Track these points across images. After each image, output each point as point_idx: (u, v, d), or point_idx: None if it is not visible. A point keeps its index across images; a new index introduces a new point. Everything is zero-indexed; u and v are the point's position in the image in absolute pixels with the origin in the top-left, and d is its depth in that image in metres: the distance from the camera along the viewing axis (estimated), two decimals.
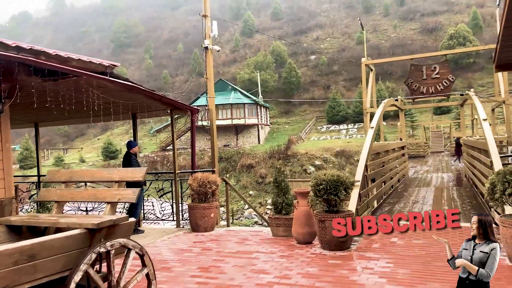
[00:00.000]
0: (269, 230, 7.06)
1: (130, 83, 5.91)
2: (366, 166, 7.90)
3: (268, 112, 63.73)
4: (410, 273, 4.63)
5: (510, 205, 4.82)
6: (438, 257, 5.15)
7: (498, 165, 6.68)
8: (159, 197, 8.10)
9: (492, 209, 6.99)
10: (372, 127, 9.22)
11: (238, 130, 56.89)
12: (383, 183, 10.69)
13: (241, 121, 55.45)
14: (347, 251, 5.67)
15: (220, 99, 55.30)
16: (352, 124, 59.35)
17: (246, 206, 43.37)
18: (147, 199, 8.32)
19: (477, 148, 10.32)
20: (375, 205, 9.27)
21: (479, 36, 67.72)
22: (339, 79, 74.38)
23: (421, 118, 55.73)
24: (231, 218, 22.28)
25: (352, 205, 6.69)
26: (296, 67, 72.89)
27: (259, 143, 57.07)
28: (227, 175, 49.22)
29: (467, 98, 14.38)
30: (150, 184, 8.41)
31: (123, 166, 7.53)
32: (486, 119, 8.29)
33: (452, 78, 16.27)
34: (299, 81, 71.88)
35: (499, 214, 5.96)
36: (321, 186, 5.77)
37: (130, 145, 7.57)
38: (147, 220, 8.35)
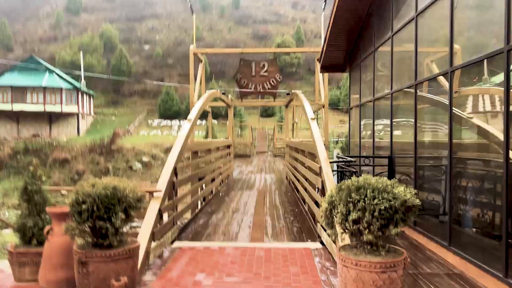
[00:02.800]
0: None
1: None
2: (175, 170, 5.92)
3: (92, 100, 57.02)
4: None
5: (353, 235, 3.44)
6: None
7: (328, 172, 5.55)
8: None
9: (318, 224, 5.87)
10: (190, 120, 7.34)
11: (52, 118, 48.99)
12: (201, 188, 8.98)
13: (57, 108, 47.88)
14: None
15: (29, 80, 46.66)
16: (185, 120, 57.90)
17: None
18: None
19: (301, 150, 9.55)
20: (189, 217, 7.43)
21: (300, 47, 74.85)
22: (174, 73, 72.15)
23: (249, 120, 58.16)
24: None
25: (145, 230, 4.59)
26: (128, 55, 67.54)
27: (78, 134, 50.34)
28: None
29: (293, 98, 14.12)
30: None
31: None
32: (315, 118, 7.31)
33: (279, 78, 15.94)
34: (130, 70, 66.82)
35: (329, 236, 4.71)
36: (84, 206, 3.47)
37: None
38: None
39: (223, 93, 13.47)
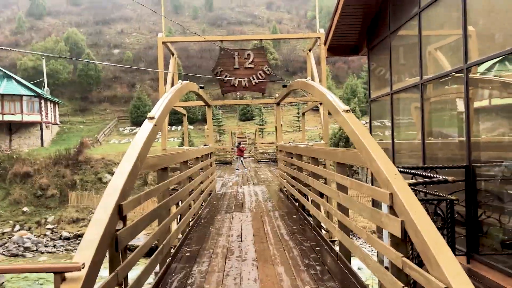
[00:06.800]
0: None
1: None
2: (120, 209, 3.11)
3: (57, 108, 52.90)
4: None
5: None
6: None
7: (417, 210, 2.88)
8: None
9: None
10: (152, 118, 4.55)
11: (12, 128, 44.78)
12: (174, 222, 6.16)
13: (17, 118, 43.79)
14: None
15: None
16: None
17: (17, 227, 33.46)
18: None
19: (312, 158, 6.86)
20: (157, 270, 4.61)
21: (277, 48, 72.88)
22: (145, 77, 68.62)
23: (228, 123, 55.39)
24: None
25: None
26: (96, 59, 63.60)
27: (42, 146, 46.27)
28: None
29: (289, 93, 11.50)
30: None
31: None
32: (349, 110, 4.64)
33: (268, 70, 13.28)
34: (99, 75, 62.92)
35: None
36: None
37: None
38: None
39: (201, 87, 10.72)
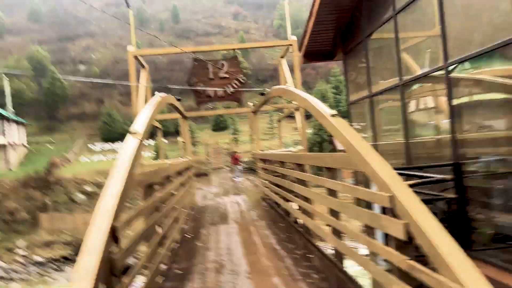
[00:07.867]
0: None
1: None
2: (113, 231, 2.94)
3: (24, 129, 51.02)
4: None
5: None
6: None
7: (426, 215, 2.86)
8: None
9: None
10: (135, 132, 4.38)
11: None
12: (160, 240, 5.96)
13: None
14: None
15: None
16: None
17: None
18: None
19: (297, 164, 6.81)
20: None
21: (246, 58, 73.13)
22: (114, 93, 67.21)
23: (201, 135, 54.89)
24: None
25: None
26: (61, 76, 61.81)
27: (10, 169, 44.39)
28: None
29: (267, 100, 11.44)
30: None
31: None
32: (336, 114, 4.63)
33: (243, 80, 13.24)
34: (66, 93, 61.25)
35: None
36: None
37: None
38: None
39: (178, 99, 10.54)
